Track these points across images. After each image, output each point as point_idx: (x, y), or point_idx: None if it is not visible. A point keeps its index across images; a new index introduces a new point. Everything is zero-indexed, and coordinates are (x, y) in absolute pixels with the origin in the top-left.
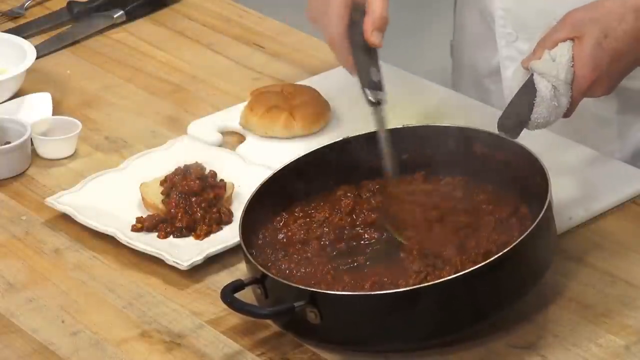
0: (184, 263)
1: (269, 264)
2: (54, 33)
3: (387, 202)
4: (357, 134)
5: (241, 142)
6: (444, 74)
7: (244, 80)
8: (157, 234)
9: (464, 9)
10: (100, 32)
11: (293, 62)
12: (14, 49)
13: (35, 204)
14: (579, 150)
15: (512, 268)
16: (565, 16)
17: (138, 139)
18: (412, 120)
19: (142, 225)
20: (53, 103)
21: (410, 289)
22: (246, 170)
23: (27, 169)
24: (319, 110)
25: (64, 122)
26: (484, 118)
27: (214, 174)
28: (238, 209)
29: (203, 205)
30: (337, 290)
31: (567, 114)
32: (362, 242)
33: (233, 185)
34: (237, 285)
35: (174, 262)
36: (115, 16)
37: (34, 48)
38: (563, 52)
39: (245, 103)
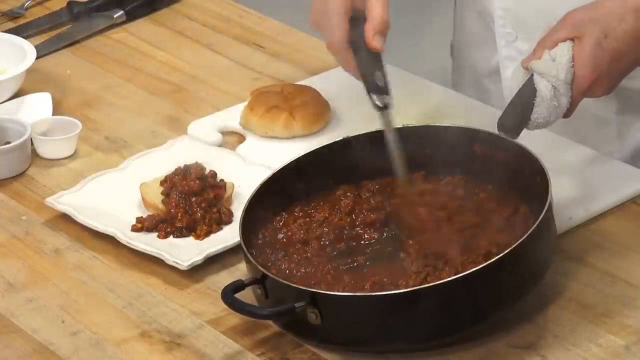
0: (184, 263)
1: (269, 264)
2: (54, 33)
3: (397, 203)
4: (357, 134)
5: (241, 142)
6: (444, 74)
7: (244, 80)
8: (157, 234)
9: (463, 9)
10: (100, 32)
11: (293, 62)
12: (14, 49)
13: (35, 204)
14: (579, 150)
15: (512, 268)
16: (565, 16)
17: (138, 139)
18: (412, 120)
19: (142, 225)
20: (53, 103)
21: (411, 290)
22: (246, 170)
23: (27, 169)
24: (319, 110)
25: (64, 122)
26: (484, 118)
27: (214, 174)
28: (238, 209)
29: (203, 205)
30: (338, 291)
31: (567, 114)
32: (362, 242)
33: (233, 185)
34: (238, 286)
35: (174, 262)
36: (115, 16)
37: (34, 48)
38: (563, 52)
39: (245, 103)
